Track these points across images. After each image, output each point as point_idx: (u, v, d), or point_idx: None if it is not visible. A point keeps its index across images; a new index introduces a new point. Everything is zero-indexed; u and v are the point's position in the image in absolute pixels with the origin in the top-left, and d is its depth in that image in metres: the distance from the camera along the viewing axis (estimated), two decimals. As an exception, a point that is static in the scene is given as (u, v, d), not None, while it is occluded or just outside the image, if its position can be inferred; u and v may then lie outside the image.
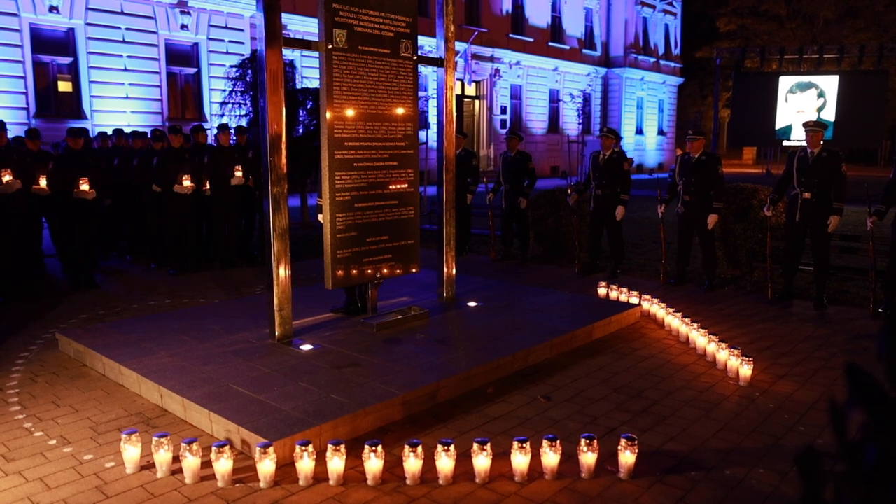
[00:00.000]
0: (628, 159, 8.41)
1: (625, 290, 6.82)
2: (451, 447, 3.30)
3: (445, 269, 6.52)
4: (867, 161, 39.50)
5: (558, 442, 3.37)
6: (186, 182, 8.23)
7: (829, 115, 23.31)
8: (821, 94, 23.71)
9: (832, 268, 7.40)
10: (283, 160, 4.95)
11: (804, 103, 23.58)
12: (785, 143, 23.87)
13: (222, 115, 12.86)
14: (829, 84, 23.71)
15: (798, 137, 22.27)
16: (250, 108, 12.79)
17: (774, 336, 5.88)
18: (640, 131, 37.53)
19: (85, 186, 7.39)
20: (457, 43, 7.51)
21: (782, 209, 7.57)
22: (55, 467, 3.46)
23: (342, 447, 3.30)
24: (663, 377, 4.83)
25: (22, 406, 4.29)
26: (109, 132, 10.73)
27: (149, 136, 9.88)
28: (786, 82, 24.17)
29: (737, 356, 4.78)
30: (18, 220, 7.04)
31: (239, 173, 8.63)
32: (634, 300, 6.64)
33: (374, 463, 3.28)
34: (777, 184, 7.25)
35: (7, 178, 6.77)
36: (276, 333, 5.10)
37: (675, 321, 5.90)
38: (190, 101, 18.46)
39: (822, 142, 6.85)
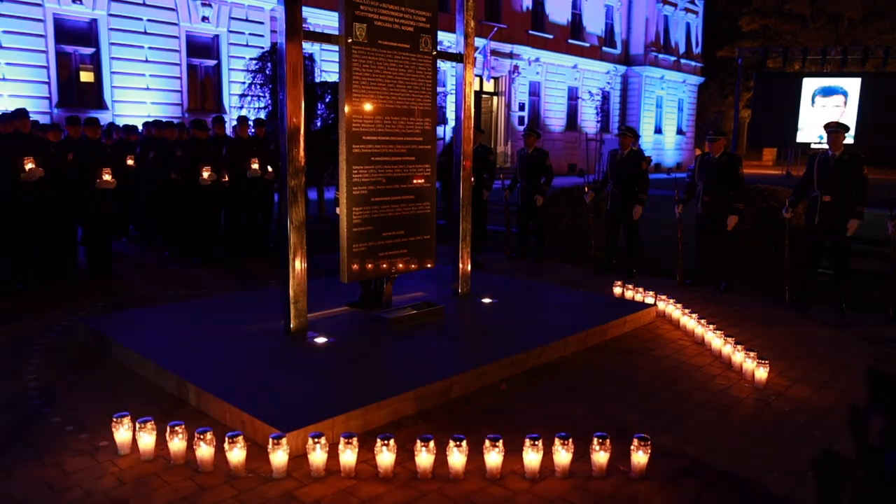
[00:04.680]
0: (646, 158, 8.35)
1: (640, 289, 6.79)
2: (463, 443, 3.30)
3: (461, 265, 6.52)
4: (889, 164, 38.91)
5: (570, 440, 3.36)
6: (206, 173, 8.29)
7: (851, 116, 22.99)
8: (846, 100, 23.38)
9: (852, 271, 7.31)
10: (301, 153, 4.96)
11: (830, 112, 23.19)
12: (813, 145, 23.51)
13: (241, 108, 12.92)
14: (852, 86, 23.40)
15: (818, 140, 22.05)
16: (269, 101, 12.85)
17: (791, 339, 5.82)
18: (658, 130, 37.25)
19: (107, 177, 7.47)
20: (476, 39, 7.49)
21: (802, 212, 7.49)
22: (71, 453, 3.50)
23: (354, 440, 3.31)
24: (678, 378, 4.80)
25: (40, 392, 4.34)
26: (139, 125, 10.80)
27: (151, 127, 9.99)
28: (808, 88, 23.85)
29: (753, 359, 4.74)
30: (41, 208, 7.11)
31: (255, 166, 8.68)
32: (650, 300, 6.60)
33: (385, 457, 3.29)
34: (797, 186, 7.17)
35: (30, 166, 6.84)
36: (291, 326, 5.13)
37: (690, 322, 5.86)
38: (210, 93, 18.55)
39: (843, 144, 6.78)
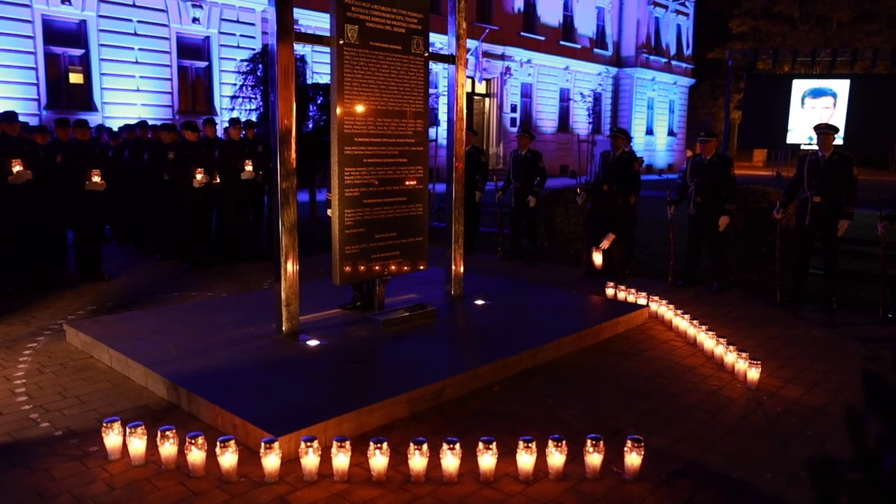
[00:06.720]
0: (638, 159, 8.37)
1: (633, 290, 6.79)
2: (457, 446, 3.29)
3: (453, 267, 6.51)
4: (878, 165, 39.20)
5: (564, 442, 3.35)
6: (199, 175, 8.25)
7: (840, 118, 23.16)
8: (835, 102, 23.55)
9: (842, 272, 7.35)
10: (293, 155, 4.95)
11: (819, 113, 23.36)
12: (803, 146, 23.68)
13: (232, 110, 12.87)
14: (841, 88, 23.57)
15: (809, 141, 22.19)
16: (260, 103, 12.80)
17: (783, 339, 5.84)
18: (650, 132, 37.41)
19: (96, 178, 7.42)
20: (468, 40, 7.49)
21: (792, 212, 7.52)
22: (61, 458, 3.47)
23: (347, 444, 3.30)
24: (670, 379, 4.81)
25: (29, 396, 4.30)
26: (138, 124, 10.70)
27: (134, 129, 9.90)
28: (798, 90, 24.00)
29: (745, 359, 4.75)
30: (29, 211, 7.05)
31: (249, 168, 8.66)
32: (642, 301, 6.61)
33: (379, 460, 3.27)
34: (787, 187, 7.21)
35: (17, 168, 6.79)
36: (283, 328, 5.10)
37: (682, 323, 5.87)
38: (200, 94, 18.50)
39: (833, 145, 6.82)
